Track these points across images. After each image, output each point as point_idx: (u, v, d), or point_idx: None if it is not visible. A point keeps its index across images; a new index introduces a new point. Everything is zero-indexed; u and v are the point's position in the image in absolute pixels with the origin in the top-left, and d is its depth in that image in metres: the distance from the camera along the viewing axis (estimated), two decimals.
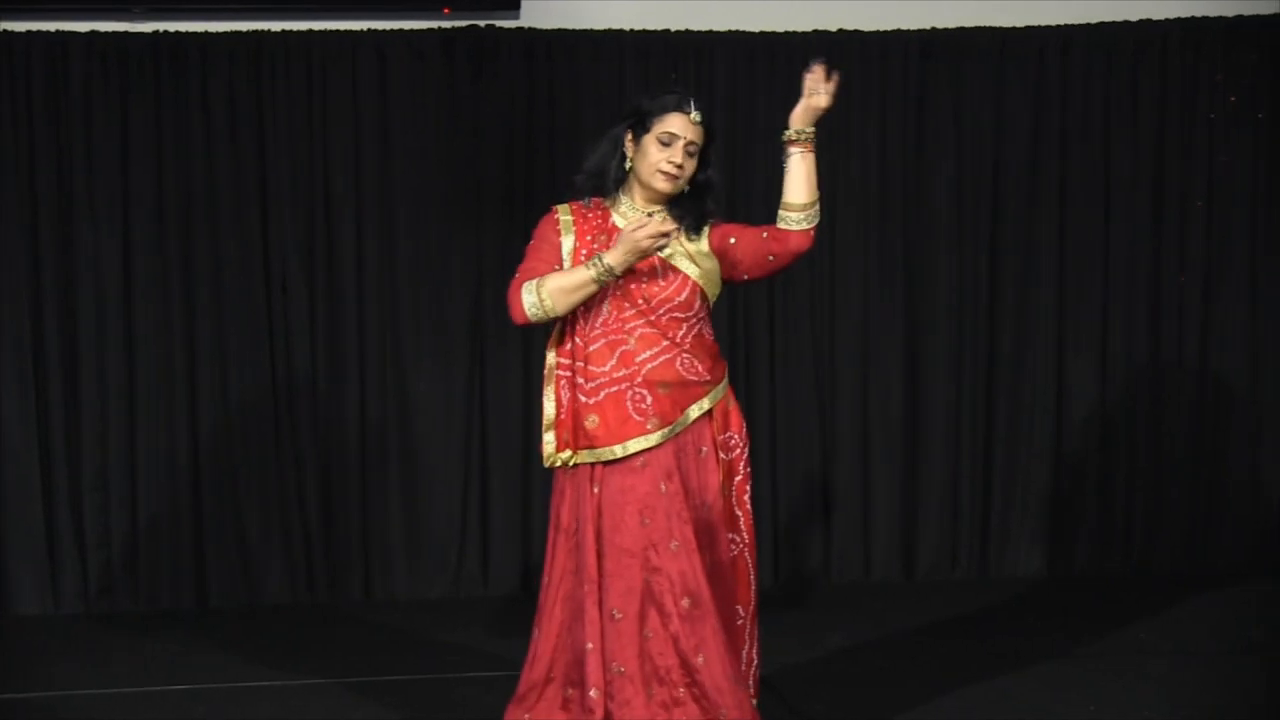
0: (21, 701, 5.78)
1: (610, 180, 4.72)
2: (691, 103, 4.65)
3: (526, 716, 4.73)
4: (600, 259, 4.53)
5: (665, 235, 4.49)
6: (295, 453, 7.22)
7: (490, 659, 6.13)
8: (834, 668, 6.03)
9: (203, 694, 5.78)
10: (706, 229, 4.71)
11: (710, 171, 4.73)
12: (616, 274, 4.54)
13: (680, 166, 4.63)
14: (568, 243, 4.68)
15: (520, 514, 7.33)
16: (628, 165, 4.70)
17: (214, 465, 7.18)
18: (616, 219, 4.71)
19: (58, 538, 7.10)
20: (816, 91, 4.59)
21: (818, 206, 4.62)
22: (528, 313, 4.59)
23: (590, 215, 4.72)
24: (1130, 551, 7.52)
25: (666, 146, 4.62)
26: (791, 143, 4.61)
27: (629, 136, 4.69)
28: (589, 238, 4.67)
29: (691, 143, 4.64)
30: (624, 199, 4.73)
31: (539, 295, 4.58)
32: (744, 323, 7.40)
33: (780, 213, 4.60)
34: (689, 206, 4.70)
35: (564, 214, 4.74)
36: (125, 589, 7.13)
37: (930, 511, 7.51)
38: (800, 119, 4.61)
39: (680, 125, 4.62)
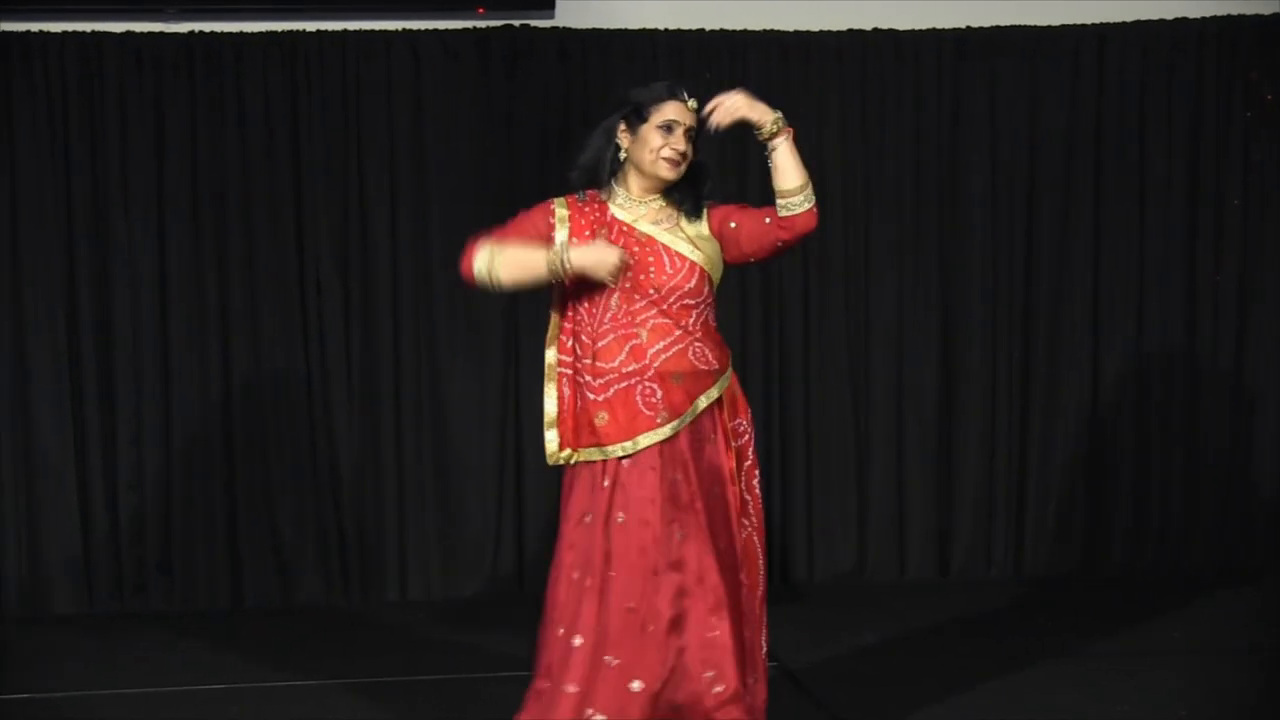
0: (56, 700, 5.79)
1: (605, 173, 4.71)
2: (684, 90, 4.68)
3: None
4: (567, 253, 4.53)
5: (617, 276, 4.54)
6: (330, 453, 7.24)
7: (524, 660, 6.12)
8: (865, 666, 6.02)
9: (236, 694, 5.80)
10: (705, 211, 4.71)
11: (700, 155, 4.71)
12: (568, 271, 4.54)
13: (684, 153, 4.64)
14: (561, 235, 4.65)
15: (555, 513, 7.26)
16: (622, 156, 4.69)
17: (248, 465, 7.20)
18: (615, 211, 4.69)
19: (93, 537, 7.12)
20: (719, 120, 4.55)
21: (810, 185, 4.56)
22: (475, 272, 4.61)
23: (587, 209, 4.71)
24: (1165, 550, 7.49)
25: (669, 134, 4.61)
26: (770, 138, 4.54)
27: (622, 127, 4.67)
28: (588, 232, 4.65)
29: (690, 128, 4.65)
30: (619, 190, 4.71)
31: (491, 260, 4.59)
32: (779, 323, 7.40)
33: (779, 201, 4.53)
34: (686, 191, 4.69)
35: (560, 207, 4.73)
36: (159, 589, 7.15)
37: (965, 510, 7.50)
38: (756, 121, 4.55)
39: (678, 112, 4.63)
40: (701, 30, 7.27)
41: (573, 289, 4.66)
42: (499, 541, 7.32)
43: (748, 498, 4.75)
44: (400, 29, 7.19)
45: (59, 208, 7.06)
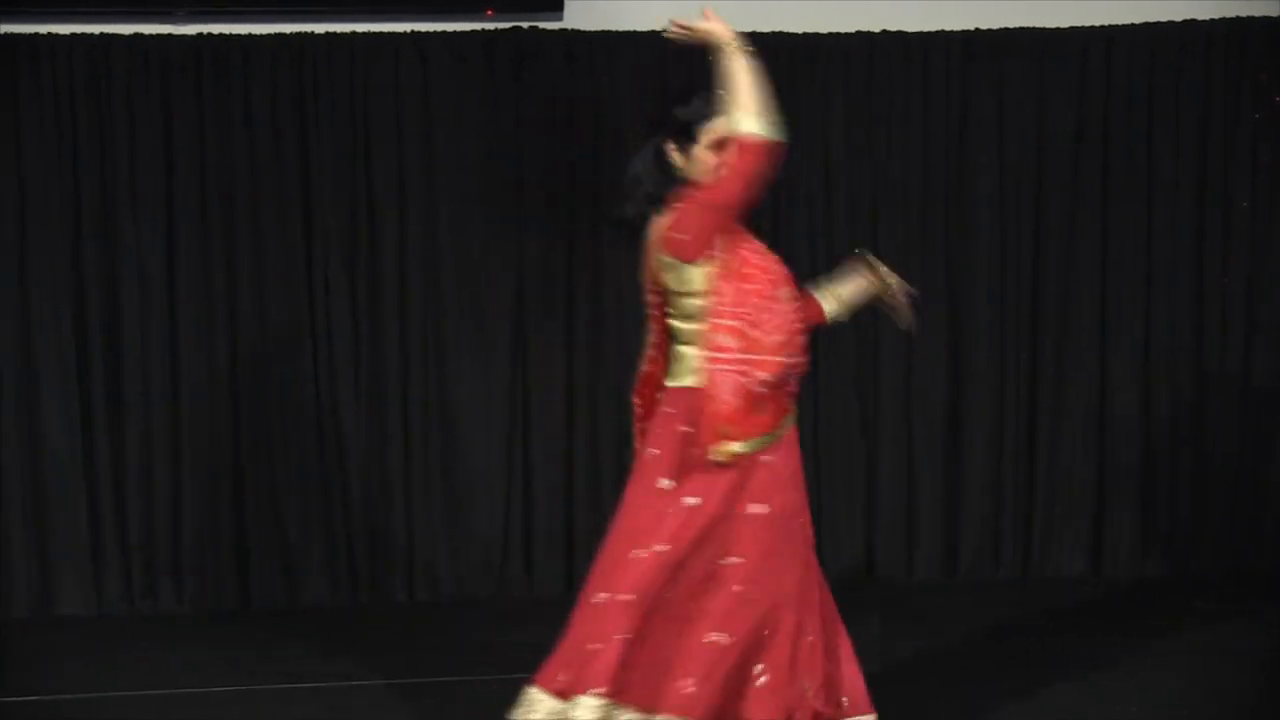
0: (63, 702, 5.81)
1: (666, 194, 4.60)
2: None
3: None
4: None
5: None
6: (338, 453, 7.24)
7: (532, 661, 6.12)
8: (870, 665, 5.99)
9: (243, 695, 5.80)
10: None
11: None
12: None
13: None
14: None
15: (564, 514, 7.33)
16: (676, 174, 4.60)
17: (256, 466, 7.21)
18: None
19: (101, 538, 7.13)
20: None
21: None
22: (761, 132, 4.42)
23: None
24: (1173, 553, 7.48)
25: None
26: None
27: (673, 147, 4.60)
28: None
29: None
30: None
31: (763, 115, 4.42)
32: None
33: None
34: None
35: None
36: (169, 590, 7.16)
37: (973, 511, 7.49)
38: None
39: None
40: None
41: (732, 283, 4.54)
42: (507, 543, 7.32)
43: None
44: (408, 31, 7.20)
45: (66, 209, 7.07)
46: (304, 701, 5.74)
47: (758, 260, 4.57)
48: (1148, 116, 7.39)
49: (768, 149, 4.42)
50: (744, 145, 4.40)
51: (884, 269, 4.84)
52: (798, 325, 4.57)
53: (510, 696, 5.36)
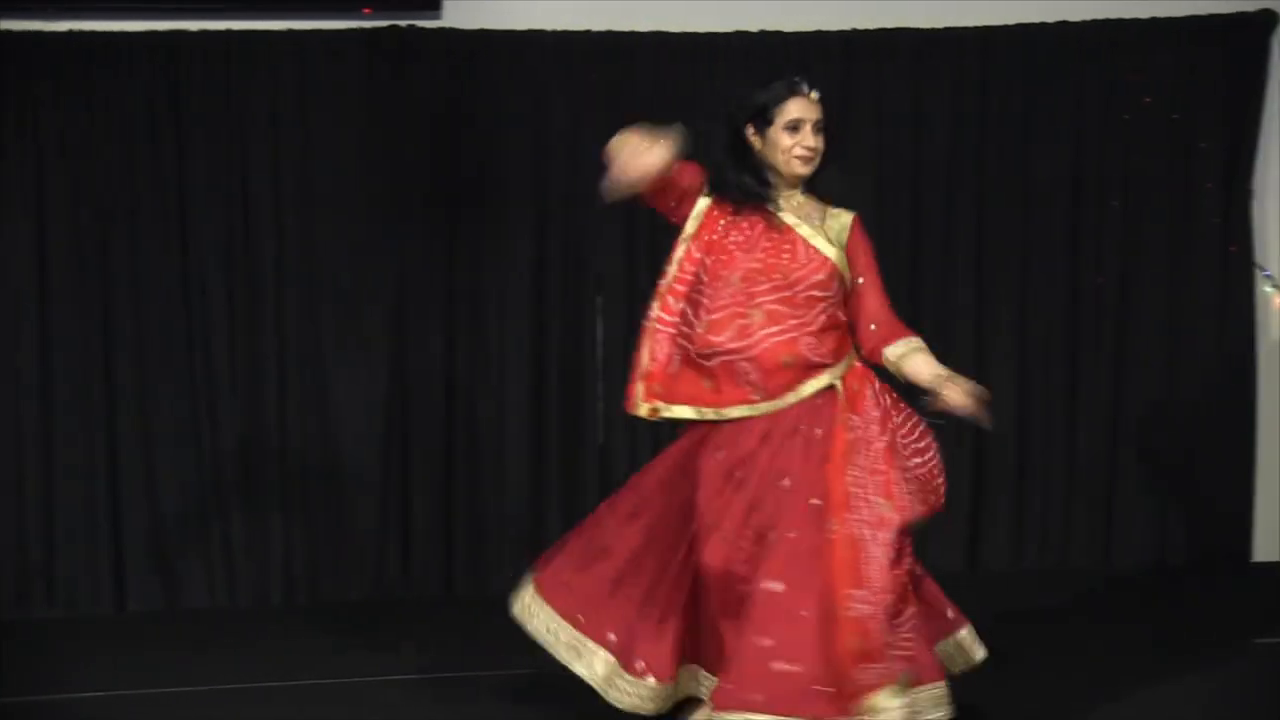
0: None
1: (760, 181, 4.79)
2: (805, 83, 4.77)
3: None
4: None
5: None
6: (214, 455, 7.17)
7: (402, 664, 6.12)
8: None
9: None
10: (851, 216, 4.87)
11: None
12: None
13: (813, 148, 4.75)
14: (703, 202, 4.79)
15: (443, 514, 7.31)
16: (756, 157, 4.79)
17: (130, 467, 7.11)
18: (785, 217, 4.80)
19: None
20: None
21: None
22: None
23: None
24: (1047, 549, 7.59)
25: (796, 132, 4.71)
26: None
27: (751, 131, 4.77)
28: (722, 221, 4.78)
29: (819, 120, 4.76)
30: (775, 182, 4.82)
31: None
32: None
33: (891, 355, 4.78)
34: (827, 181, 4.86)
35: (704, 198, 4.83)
36: (40, 594, 7.09)
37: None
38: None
39: (802, 109, 4.75)
40: (589, 31, 7.26)
41: (701, 260, 4.75)
42: (385, 542, 7.28)
43: (855, 490, 4.65)
44: (285, 29, 7.11)
45: None
46: (170, 705, 5.69)
47: (739, 237, 4.73)
48: (1024, 117, 7.45)
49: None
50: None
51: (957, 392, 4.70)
52: (740, 313, 4.68)
53: (391, 701, 5.34)
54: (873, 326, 4.82)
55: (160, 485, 7.14)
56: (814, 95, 4.77)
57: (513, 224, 7.26)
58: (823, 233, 4.79)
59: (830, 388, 4.74)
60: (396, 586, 7.29)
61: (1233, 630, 6.37)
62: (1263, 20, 7.46)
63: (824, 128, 4.80)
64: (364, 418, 7.24)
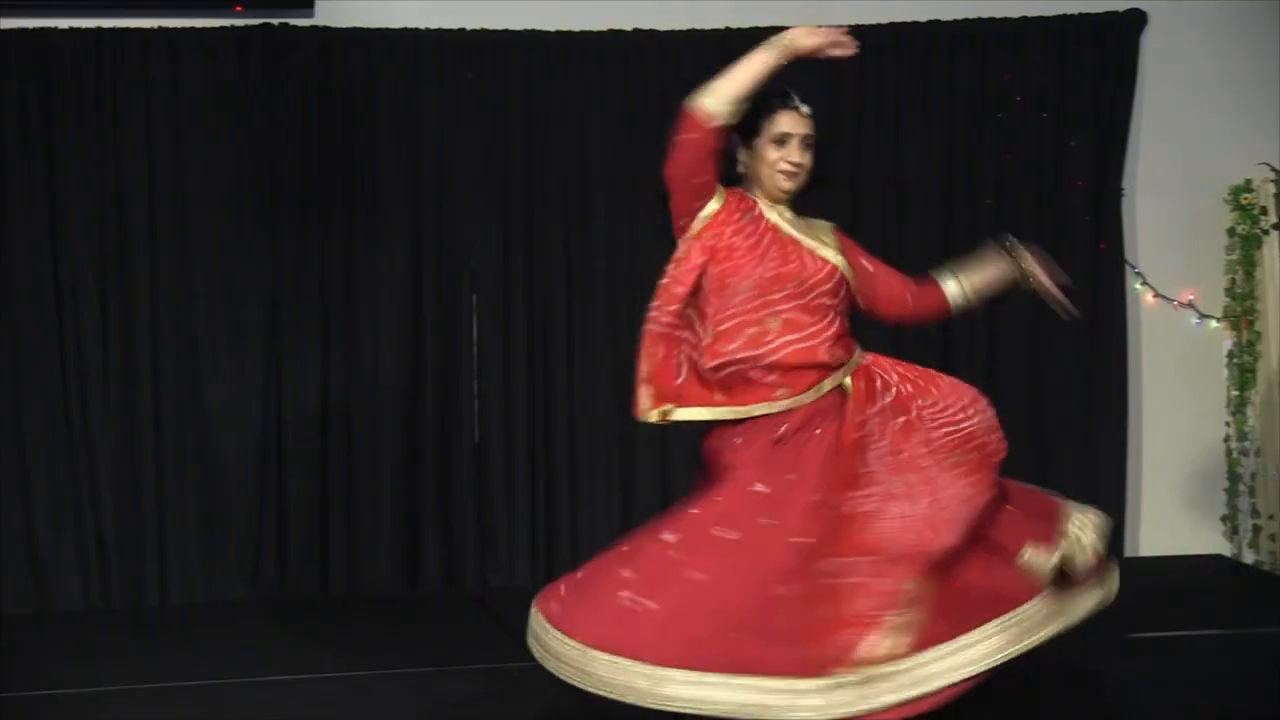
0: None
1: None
2: (796, 97, 4.70)
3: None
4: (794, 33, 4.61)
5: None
6: (87, 456, 7.12)
7: (272, 665, 6.11)
8: None
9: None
10: (831, 225, 4.85)
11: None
12: (792, 49, 4.59)
13: (799, 164, 4.67)
14: (712, 205, 4.66)
15: (319, 515, 7.29)
16: (740, 170, 4.72)
17: (6, 469, 7.06)
18: (763, 209, 4.74)
19: None
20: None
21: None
22: (704, 106, 4.53)
23: (739, 201, 4.73)
24: None
25: (782, 146, 4.64)
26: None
27: (736, 142, 4.69)
28: (736, 215, 4.69)
29: (807, 136, 4.69)
30: (758, 194, 4.76)
31: (708, 90, 4.56)
32: None
33: (950, 293, 4.91)
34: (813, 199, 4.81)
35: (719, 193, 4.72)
36: None
37: None
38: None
39: (792, 122, 4.67)
40: (463, 30, 7.26)
41: (703, 266, 4.62)
42: (261, 543, 7.26)
43: (864, 473, 4.64)
44: (156, 26, 7.08)
45: None
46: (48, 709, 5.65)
47: (746, 245, 4.65)
48: (895, 116, 7.51)
49: (687, 117, 4.51)
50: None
51: (1028, 256, 4.85)
52: (752, 321, 4.60)
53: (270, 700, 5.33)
54: (909, 295, 4.92)
55: (32, 486, 7.09)
56: (805, 110, 4.69)
57: (386, 222, 7.25)
58: (820, 241, 4.76)
59: (840, 387, 4.71)
60: (272, 587, 7.27)
61: (1108, 625, 6.40)
62: (1132, 20, 7.56)
63: (813, 146, 4.73)
64: (239, 418, 7.21)
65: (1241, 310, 7.69)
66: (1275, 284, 7.56)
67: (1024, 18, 7.49)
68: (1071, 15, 7.52)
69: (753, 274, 4.63)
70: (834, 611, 4.54)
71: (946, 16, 7.47)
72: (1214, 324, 7.76)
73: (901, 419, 4.70)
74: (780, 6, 7.37)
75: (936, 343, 7.56)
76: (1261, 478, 7.69)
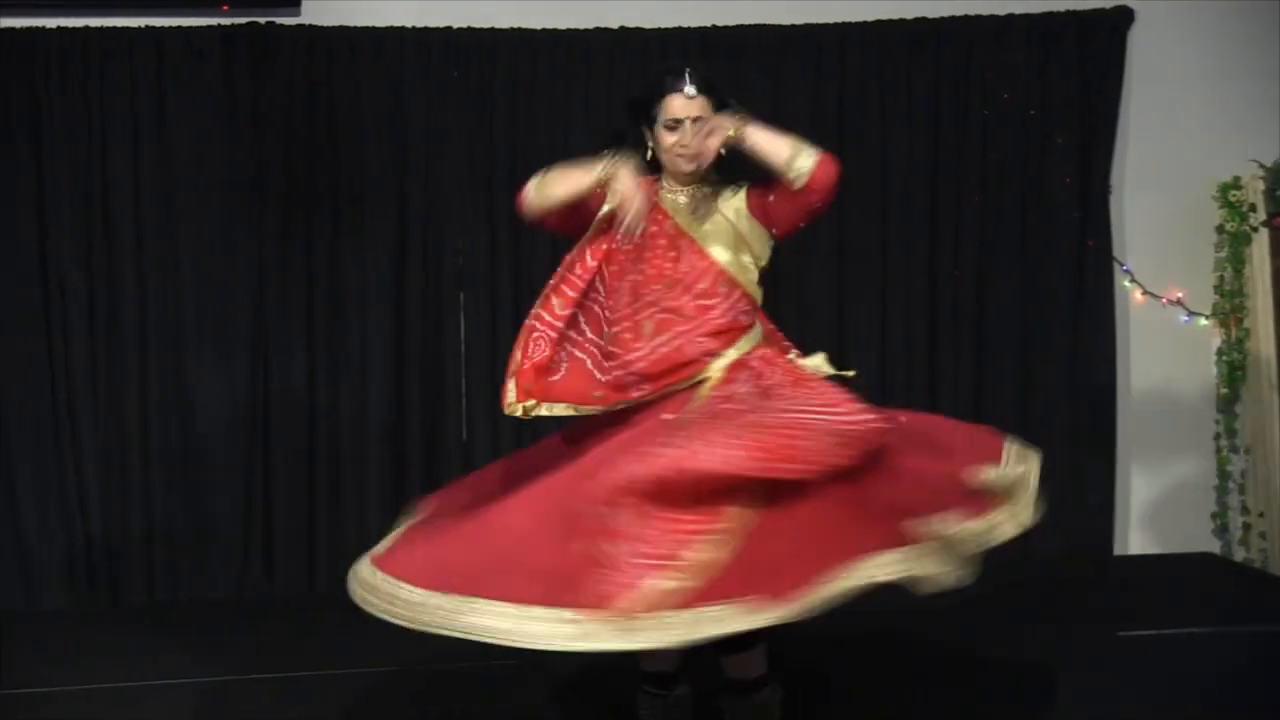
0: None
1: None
2: (685, 77, 4.57)
3: None
4: (620, 166, 4.56)
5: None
6: (75, 454, 7.13)
7: (276, 662, 6.10)
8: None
9: None
10: (744, 190, 4.65)
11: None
12: (613, 186, 4.54)
13: (690, 147, 4.58)
14: (606, 209, 4.61)
15: (306, 512, 7.29)
16: (648, 156, 4.67)
17: None
18: (663, 193, 4.68)
19: None
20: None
21: (801, 140, 4.49)
22: (525, 193, 4.64)
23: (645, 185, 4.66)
24: None
25: (674, 130, 4.59)
26: (737, 139, 4.52)
27: (645, 128, 4.66)
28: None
29: (698, 118, 4.57)
30: (665, 176, 4.71)
31: (542, 178, 4.63)
32: None
33: (786, 178, 4.47)
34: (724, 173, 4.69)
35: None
36: None
37: None
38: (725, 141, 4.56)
39: (680, 107, 4.57)
40: (449, 28, 7.26)
41: (598, 268, 4.66)
42: (247, 541, 7.27)
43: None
44: (143, 25, 7.11)
45: None
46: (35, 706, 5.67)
47: (630, 252, 4.64)
48: (881, 113, 7.50)
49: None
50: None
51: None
52: (633, 325, 4.59)
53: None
54: (783, 201, 4.58)
55: (18, 484, 7.09)
56: (690, 92, 4.54)
57: (373, 220, 7.26)
58: (722, 221, 4.64)
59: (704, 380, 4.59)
60: (259, 585, 7.26)
61: (1097, 623, 6.41)
62: (1119, 16, 7.55)
63: (710, 119, 4.55)
64: (226, 416, 7.22)
65: (1230, 308, 7.67)
66: (1264, 281, 7.53)
67: (1010, 15, 7.48)
68: (1059, 12, 7.51)
69: (628, 277, 4.64)
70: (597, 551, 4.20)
71: (933, 14, 7.46)
72: (1203, 321, 7.75)
73: (748, 403, 4.47)
74: (769, 6, 7.42)
75: (922, 340, 7.55)
76: (1251, 475, 7.68)
